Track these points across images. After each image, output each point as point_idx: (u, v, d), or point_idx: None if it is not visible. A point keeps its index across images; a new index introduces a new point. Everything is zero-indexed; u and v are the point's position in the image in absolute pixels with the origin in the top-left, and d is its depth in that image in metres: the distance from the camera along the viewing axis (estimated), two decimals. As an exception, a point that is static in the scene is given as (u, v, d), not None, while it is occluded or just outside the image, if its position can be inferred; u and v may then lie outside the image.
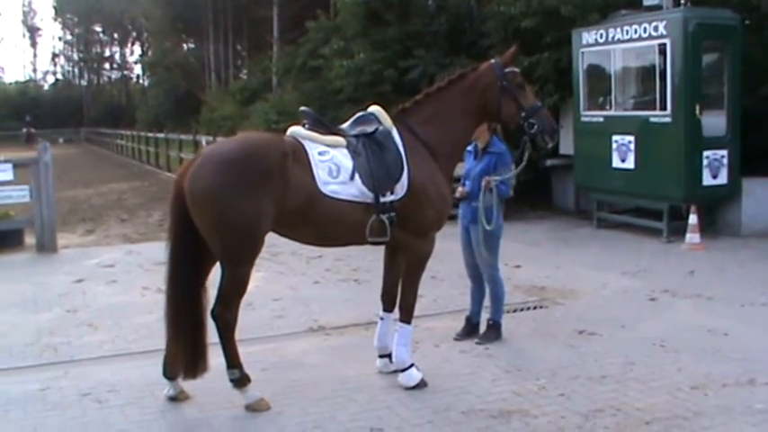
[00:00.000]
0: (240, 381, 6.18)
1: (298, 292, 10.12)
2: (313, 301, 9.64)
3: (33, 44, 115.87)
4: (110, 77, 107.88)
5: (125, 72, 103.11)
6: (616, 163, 14.10)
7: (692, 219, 12.69)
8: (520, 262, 11.46)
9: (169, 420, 6.07)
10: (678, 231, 13.04)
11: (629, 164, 13.84)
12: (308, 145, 6.23)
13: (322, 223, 6.19)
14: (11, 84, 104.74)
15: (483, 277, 8.02)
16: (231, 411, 6.17)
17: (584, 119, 14.99)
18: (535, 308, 9.29)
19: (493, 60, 6.95)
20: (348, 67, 20.00)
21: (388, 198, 6.34)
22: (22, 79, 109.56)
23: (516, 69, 6.91)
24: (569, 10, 15.76)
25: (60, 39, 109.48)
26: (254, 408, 6.15)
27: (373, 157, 6.36)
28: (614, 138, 14.10)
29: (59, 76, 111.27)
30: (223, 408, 6.23)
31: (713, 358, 7.24)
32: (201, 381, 6.32)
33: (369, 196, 6.26)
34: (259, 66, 44.39)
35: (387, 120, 6.62)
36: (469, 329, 8.07)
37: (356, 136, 6.48)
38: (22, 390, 6.72)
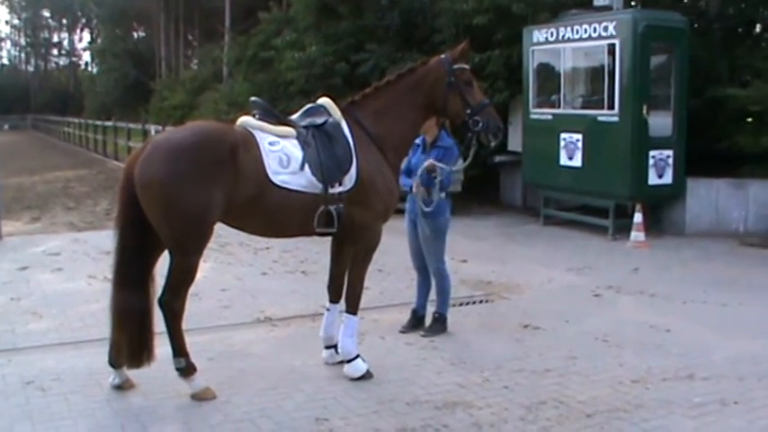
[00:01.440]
0: (186, 370, 6.16)
1: (245, 283, 10.10)
2: (260, 292, 9.64)
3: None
4: (57, 64, 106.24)
5: (73, 59, 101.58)
6: (564, 161, 14.24)
7: (638, 217, 12.88)
8: (466, 256, 11.54)
9: (114, 408, 6.03)
10: (623, 229, 13.24)
11: (577, 162, 13.99)
12: (258, 135, 6.22)
13: (271, 213, 6.19)
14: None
15: (429, 270, 8.08)
16: (177, 400, 6.16)
17: (533, 116, 15.13)
18: (481, 302, 9.38)
19: (443, 56, 7.00)
20: (299, 60, 19.92)
21: (337, 189, 6.36)
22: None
23: (465, 66, 6.94)
24: (521, 8, 15.96)
25: (7, 23, 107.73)
26: (200, 396, 6.14)
27: (323, 149, 6.38)
28: (562, 136, 14.25)
29: (5, 61, 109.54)
30: (169, 396, 6.22)
31: (654, 353, 7.38)
32: (147, 369, 6.28)
33: (318, 187, 6.28)
34: (210, 56, 43.94)
35: (336, 112, 6.65)
36: (415, 322, 8.12)
37: (306, 127, 6.49)
38: (-37, 377, 6.64)
